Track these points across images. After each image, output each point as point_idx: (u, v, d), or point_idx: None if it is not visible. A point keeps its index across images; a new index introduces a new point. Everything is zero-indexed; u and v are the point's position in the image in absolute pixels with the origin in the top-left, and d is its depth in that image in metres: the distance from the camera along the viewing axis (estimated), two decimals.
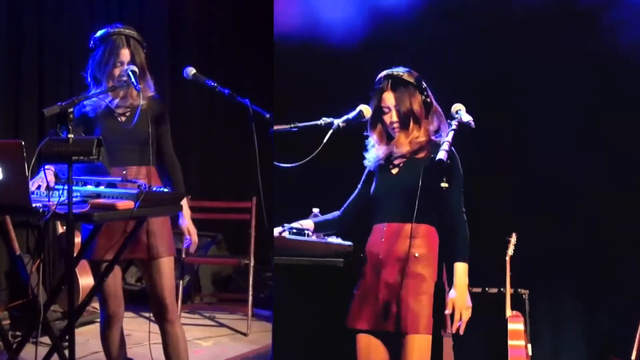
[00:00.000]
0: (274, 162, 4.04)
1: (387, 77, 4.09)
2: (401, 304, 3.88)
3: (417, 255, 3.94)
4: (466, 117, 3.85)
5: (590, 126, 5.61)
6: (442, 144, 3.69)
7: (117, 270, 4.52)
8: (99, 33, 4.46)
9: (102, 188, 3.94)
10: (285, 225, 4.00)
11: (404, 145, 4.06)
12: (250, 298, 6.80)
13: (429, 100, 4.06)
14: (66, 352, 3.94)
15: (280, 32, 5.69)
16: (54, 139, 3.65)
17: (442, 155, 3.58)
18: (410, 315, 3.88)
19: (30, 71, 7.18)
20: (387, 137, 4.13)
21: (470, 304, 3.89)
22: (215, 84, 4.36)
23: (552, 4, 5.67)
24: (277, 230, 3.98)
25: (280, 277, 5.25)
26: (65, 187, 3.66)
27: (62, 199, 3.69)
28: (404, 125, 4.04)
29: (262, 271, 7.56)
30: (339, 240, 4.04)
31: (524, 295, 5.63)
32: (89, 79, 4.48)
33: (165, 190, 4.18)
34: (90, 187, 3.95)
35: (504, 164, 5.47)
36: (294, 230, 3.98)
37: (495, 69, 5.55)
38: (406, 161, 4.06)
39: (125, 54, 4.42)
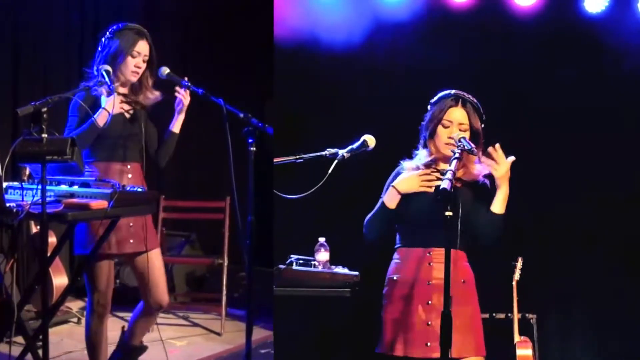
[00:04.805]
0: (274, 191, 4.06)
1: (456, 95, 4.09)
2: (455, 330, 3.79)
3: (463, 281, 4.03)
4: (468, 145, 3.89)
5: (598, 147, 5.70)
6: (445, 172, 3.70)
7: (111, 262, 4.60)
8: (115, 26, 4.53)
9: (75, 188, 3.95)
10: (291, 256, 4.00)
11: (469, 164, 4.08)
12: (224, 298, 6.81)
13: (481, 129, 4.11)
14: (40, 351, 3.94)
15: (280, 35, 5.74)
16: (27, 139, 3.65)
17: (445, 184, 3.58)
18: (467, 340, 3.96)
19: (3, 70, 7.14)
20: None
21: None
22: (189, 84, 4.41)
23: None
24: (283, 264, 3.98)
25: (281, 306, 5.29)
26: (39, 186, 3.66)
27: (35, 198, 3.70)
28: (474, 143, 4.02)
29: (235, 271, 7.57)
30: (345, 270, 4.01)
31: (532, 320, 5.61)
32: (95, 72, 4.46)
33: (139, 190, 4.20)
34: (64, 187, 3.96)
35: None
36: (301, 261, 3.98)
37: (494, 77, 5.61)
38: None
39: (143, 46, 4.51)
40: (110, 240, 4.44)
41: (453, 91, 4.11)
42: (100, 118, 4.32)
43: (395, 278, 4.10)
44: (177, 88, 4.56)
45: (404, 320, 4.02)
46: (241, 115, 4.12)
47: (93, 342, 4.68)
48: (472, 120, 4.04)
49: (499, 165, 3.92)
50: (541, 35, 5.80)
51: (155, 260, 4.65)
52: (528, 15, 5.81)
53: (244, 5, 8.09)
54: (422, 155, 4.15)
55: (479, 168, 4.09)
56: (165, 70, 4.47)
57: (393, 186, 4.07)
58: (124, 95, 4.53)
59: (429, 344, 3.89)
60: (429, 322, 3.94)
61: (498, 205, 3.99)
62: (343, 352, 5.60)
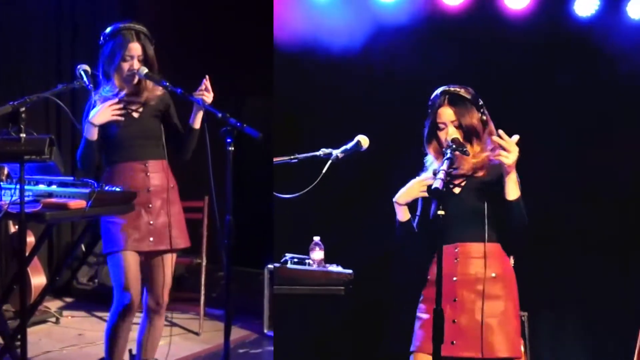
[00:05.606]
0: (274, 193, 4.06)
1: (443, 92, 3.98)
2: (485, 327, 3.79)
3: (493, 275, 3.88)
4: (460, 148, 3.81)
5: (597, 148, 5.76)
6: (438, 172, 3.60)
7: (137, 257, 4.53)
8: (108, 29, 4.48)
9: (54, 187, 3.95)
10: (286, 254, 4.00)
11: (466, 161, 3.95)
12: (202, 297, 6.80)
13: (484, 118, 3.99)
14: (18, 351, 3.95)
15: (280, 37, 5.76)
16: (6, 138, 3.65)
17: (437, 184, 3.49)
18: (497, 338, 3.81)
19: None
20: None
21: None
22: (168, 84, 4.41)
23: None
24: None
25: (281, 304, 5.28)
26: (18, 186, 3.66)
27: (14, 198, 3.70)
28: (466, 141, 3.92)
29: (214, 271, 7.57)
30: (339, 269, 3.97)
31: (523, 318, 5.60)
32: (100, 76, 4.46)
33: (117, 189, 4.20)
34: (42, 187, 3.96)
35: None
36: (295, 260, 3.99)
37: (492, 79, 5.65)
38: (468, 180, 3.97)
39: (135, 48, 4.44)
40: (133, 237, 4.43)
41: (441, 88, 4.00)
42: (89, 132, 4.33)
43: (429, 277, 4.02)
44: (202, 88, 4.41)
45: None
46: (219, 115, 4.11)
47: (113, 340, 4.57)
48: (462, 116, 3.93)
49: (509, 152, 3.71)
50: (535, 38, 5.83)
51: (169, 261, 4.67)
52: (521, 19, 5.84)
53: (235, 5, 8.12)
54: (429, 162, 4.08)
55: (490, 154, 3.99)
56: (144, 70, 4.43)
57: (395, 201, 4.02)
58: (127, 95, 4.49)
59: (454, 342, 3.79)
60: (455, 320, 3.82)
61: (512, 192, 3.82)
62: (340, 348, 5.63)
